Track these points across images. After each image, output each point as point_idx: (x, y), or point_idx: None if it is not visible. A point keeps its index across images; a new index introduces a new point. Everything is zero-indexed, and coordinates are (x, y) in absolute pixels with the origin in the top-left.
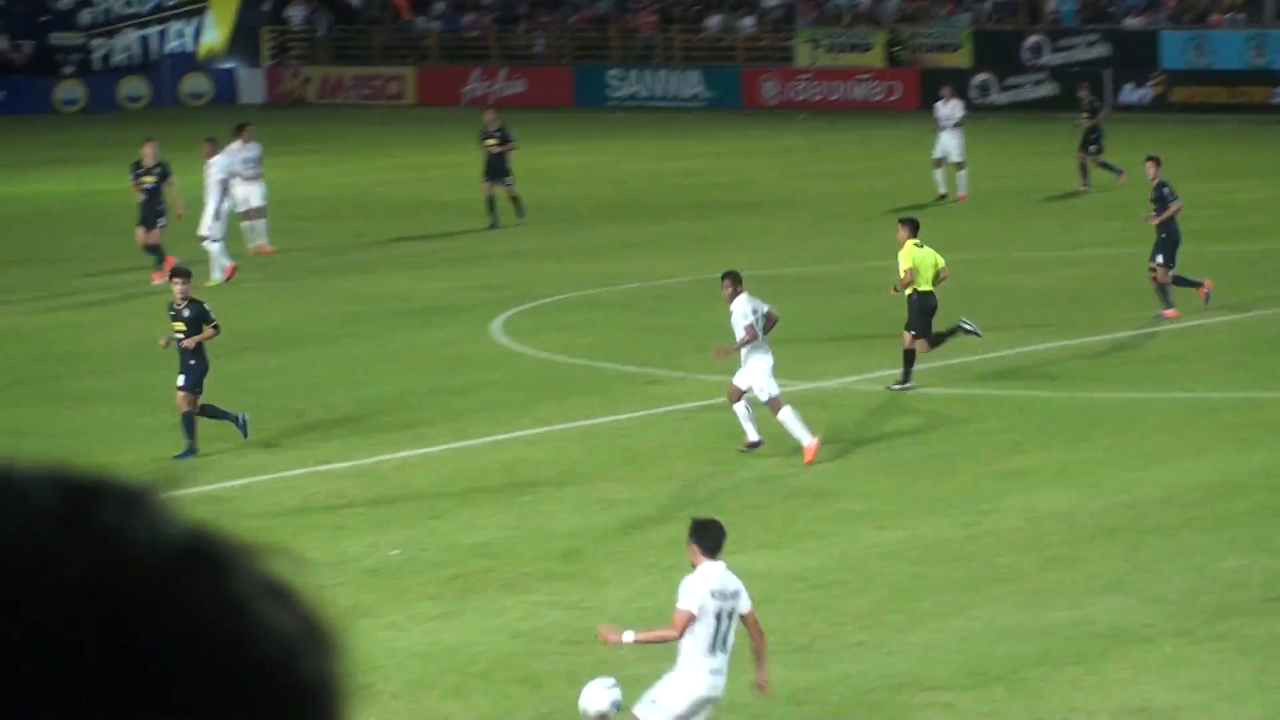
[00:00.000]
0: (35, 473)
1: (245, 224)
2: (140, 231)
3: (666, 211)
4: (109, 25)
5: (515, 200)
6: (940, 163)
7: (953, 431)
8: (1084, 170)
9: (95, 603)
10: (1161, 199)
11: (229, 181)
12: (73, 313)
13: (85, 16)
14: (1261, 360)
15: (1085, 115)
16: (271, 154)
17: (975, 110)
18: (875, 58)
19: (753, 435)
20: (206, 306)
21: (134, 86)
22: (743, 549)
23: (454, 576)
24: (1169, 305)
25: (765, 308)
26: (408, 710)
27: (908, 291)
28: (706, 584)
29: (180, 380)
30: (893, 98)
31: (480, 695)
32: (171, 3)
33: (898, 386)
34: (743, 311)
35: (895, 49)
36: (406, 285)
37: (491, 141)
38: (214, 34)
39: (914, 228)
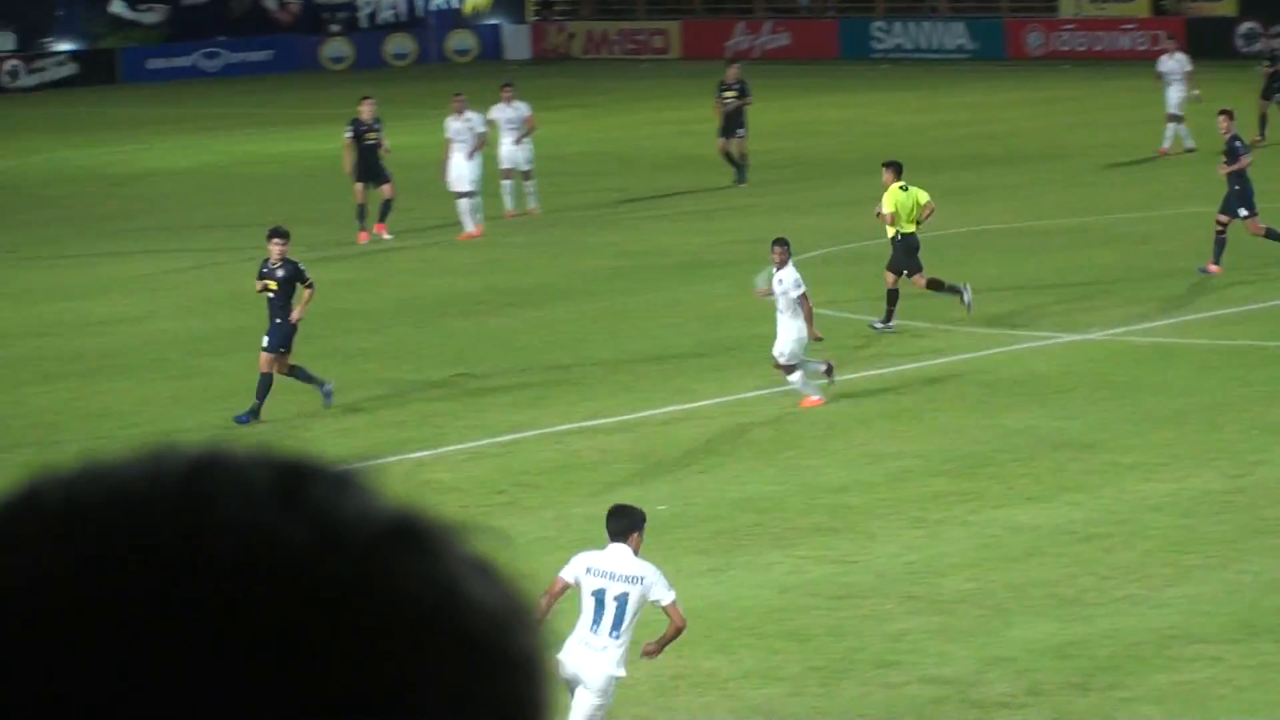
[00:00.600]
0: (250, 453)
1: (506, 182)
2: (359, 188)
3: (930, 164)
4: None
5: (743, 158)
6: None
7: (1219, 383)
8: (1263, 121)
9: (311, 580)
10: (1233, 151)
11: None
12: (339, 269)
13: None
14: None
15: (1266, 63)
16: (536, 110)
17: (1242, 59)
18: (1141, 7)
19: (821, 366)
20: (301, 267)
21: (400, 43)
22: (1010, 501)
23: (721, 531)
24: (1217, 261)
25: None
26: (675, 665)
27: (891, 233)
28: (587, 560)
29: (265, 341)
30: (1158, 47)
31: (747, 650)
32: None
33: (880, 326)
34: (796, 280)
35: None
36: (669, 240)
37: (730, 94)
38: None
39: (898, 170)
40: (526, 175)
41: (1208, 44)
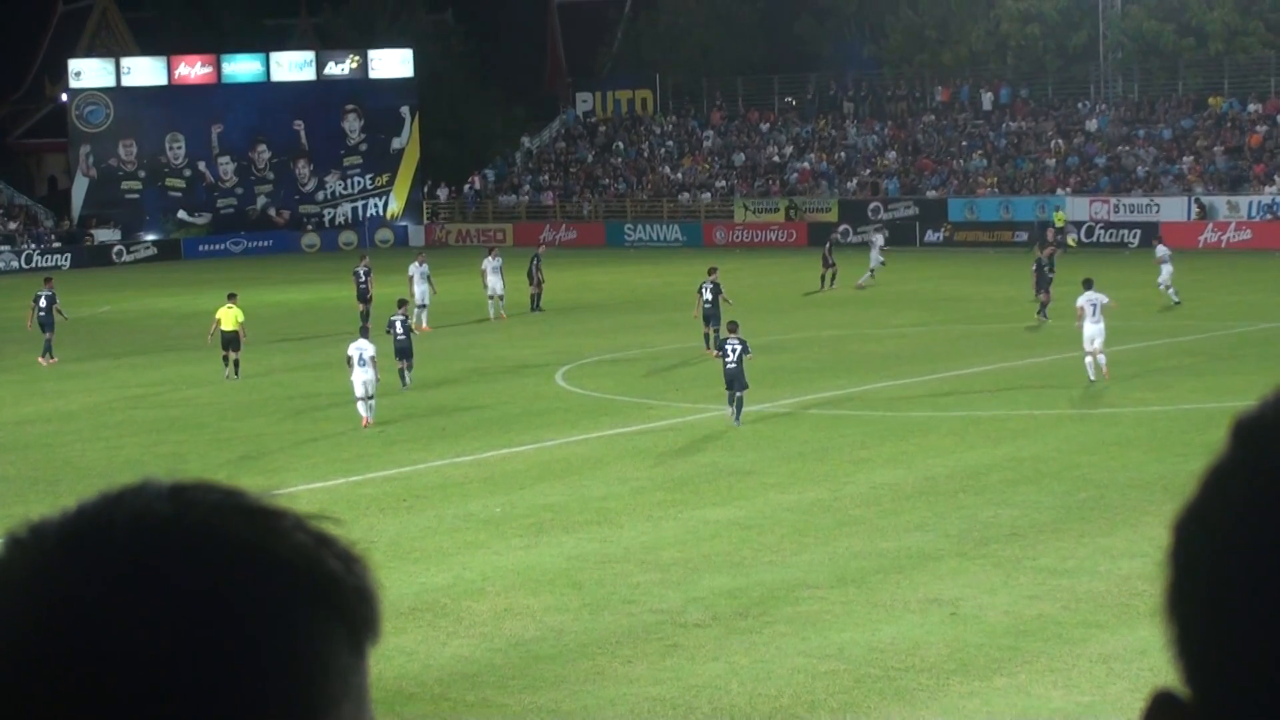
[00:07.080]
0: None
1: (419, 310)
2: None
3: (643, 306)
4: (334, 200)
5: (537, 297)
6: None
7: (824, 435)
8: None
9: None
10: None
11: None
12: (312, 375)
13: (320, 195)
14: None
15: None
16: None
17: (840, 248)
18: (780, 216)
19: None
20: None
21: (347, 236)
22: (703, 506)
23: (533, 523)
24: None
25: None
26: (502, 603)
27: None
28: None
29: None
30: (791, 240)
31: (548, 593)
32: (371, 188)
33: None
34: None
35: (790, 210)
36: (505, 351)
37: (535, 262)
38: (395, 205)
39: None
40: (423, 307)
41: (820, 238)
